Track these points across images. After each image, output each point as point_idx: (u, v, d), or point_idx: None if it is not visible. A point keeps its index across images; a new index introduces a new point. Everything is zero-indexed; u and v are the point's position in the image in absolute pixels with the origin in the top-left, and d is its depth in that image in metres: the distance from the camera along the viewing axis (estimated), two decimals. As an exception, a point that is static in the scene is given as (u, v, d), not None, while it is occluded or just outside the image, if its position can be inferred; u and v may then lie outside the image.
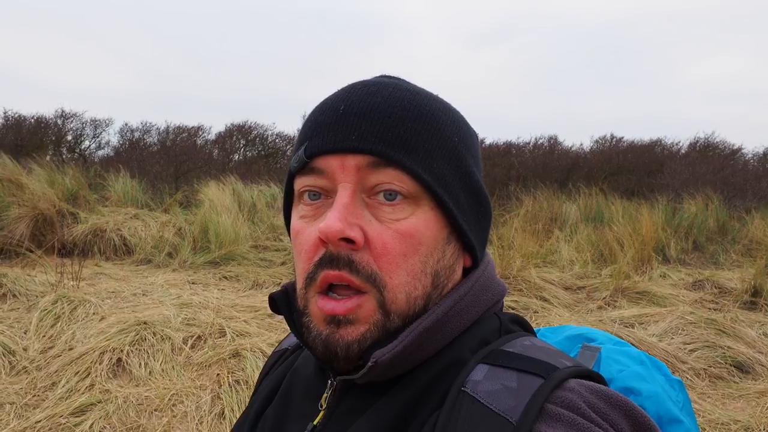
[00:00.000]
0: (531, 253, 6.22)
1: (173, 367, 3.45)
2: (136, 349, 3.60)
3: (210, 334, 3.86)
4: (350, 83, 0.64)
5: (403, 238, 0.58)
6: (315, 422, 0.62)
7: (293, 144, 11.36)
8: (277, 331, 4.01)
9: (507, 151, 13.40)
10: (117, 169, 8.64)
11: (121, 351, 3.54)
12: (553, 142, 13.89)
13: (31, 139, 11.73)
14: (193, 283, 5.43)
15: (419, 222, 0.59)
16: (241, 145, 13.44)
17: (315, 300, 0.59)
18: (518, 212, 8.55)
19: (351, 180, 0.58)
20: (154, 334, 3.74)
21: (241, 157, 13.18)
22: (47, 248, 5.97)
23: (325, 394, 0.63)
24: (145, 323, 3.85)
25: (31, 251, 5.70)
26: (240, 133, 13.33)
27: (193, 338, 3.78)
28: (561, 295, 5.39)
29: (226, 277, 5.84)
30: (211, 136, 13.18)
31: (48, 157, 10.82)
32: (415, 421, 0.57)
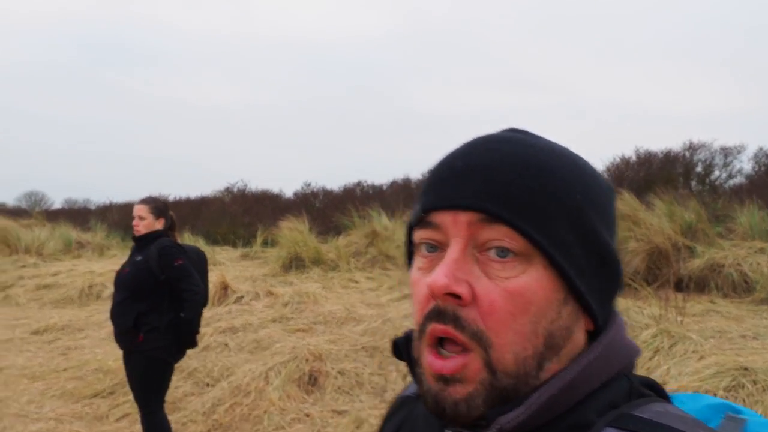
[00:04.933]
0: None
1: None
2: (732, 395, 3.23)
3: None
4: (473, 137, 0.64)
5: (511, 296, 0.56)
6: None
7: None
8: None
9: None
10: (746, 199, 8.12)
11: (714, 395, 3.16)
12: None
13: (659, 173, 12.23)
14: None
15: (530, 281, 0.56)
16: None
17: (426, 354, 0.59)
18: None
19: (462, 235, 0.58)
20: (755, 382, 3.28)
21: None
22: (662, 282, 6.14)
23: None
24: (745, 369, 3.40)
25: (646, 283, 5.91)
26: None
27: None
28: None
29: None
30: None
31: (678, 190, 10.75)
32: None
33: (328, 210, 13.39)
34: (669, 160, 12.62)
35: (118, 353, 5.93)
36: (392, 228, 9.41)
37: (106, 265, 10.59)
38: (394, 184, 15.70)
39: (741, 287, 6.11)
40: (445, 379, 0.57)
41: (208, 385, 4.76)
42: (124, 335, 3.26)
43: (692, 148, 12.63)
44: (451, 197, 0.58)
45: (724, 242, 7.13)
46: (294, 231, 9.35)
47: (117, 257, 12.45)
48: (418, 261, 0.62)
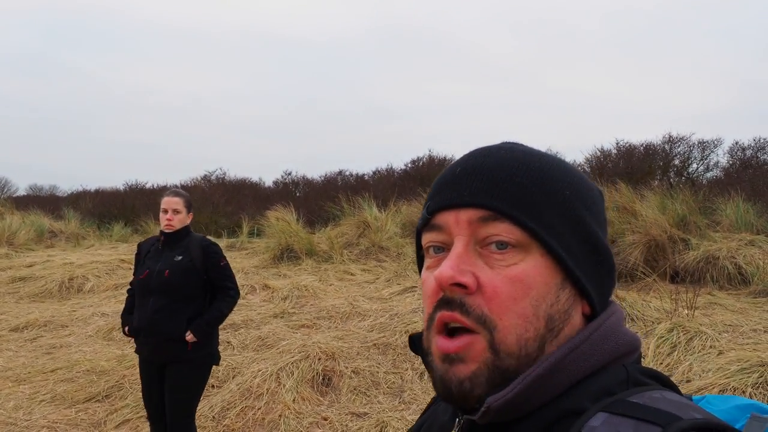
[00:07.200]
0: None
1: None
2: (761, 392, 3.19)
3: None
4: (472, 149, 0.69)
5: (512, 282, 0.60)
6: None
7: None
8: None
9: None
10: (726, 192, 8.09)
11: (743, 392, 3.24)
12: None
13: (640, 166, 12.22)
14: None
15: (529, 267, 0.61)
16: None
17: (435, 340, 0.63)
18: None
19: (464, 233, 0.63)
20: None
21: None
22: (659, 274, 6.05)
23: (453, 430, 0.66)
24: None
25: (646, 275, 5.92)
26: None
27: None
28: None
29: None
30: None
31: (656, 183, 10.97)
32: None
33: (310, 199, 13.04)
34: (649, 153, 12.65)
35: (110, 352, 5.72)
36: (383, 218, 9.18)
37: (84, 255, 10.06)
38: (377, 173, 15.42)
39: (736, 279, 6.10)
40: (450, 359, 0.60)
41: (213, 386, 4.46)
42: (170, 344, 2.87)
43: (671, 141, 12.70)
44: (452, 197, 0.64)
45: (715, 234, 7.10)
46: (281, 221, 9.03)
47: (95, 247, 11.89)
48: (427, 262, 0.67)
